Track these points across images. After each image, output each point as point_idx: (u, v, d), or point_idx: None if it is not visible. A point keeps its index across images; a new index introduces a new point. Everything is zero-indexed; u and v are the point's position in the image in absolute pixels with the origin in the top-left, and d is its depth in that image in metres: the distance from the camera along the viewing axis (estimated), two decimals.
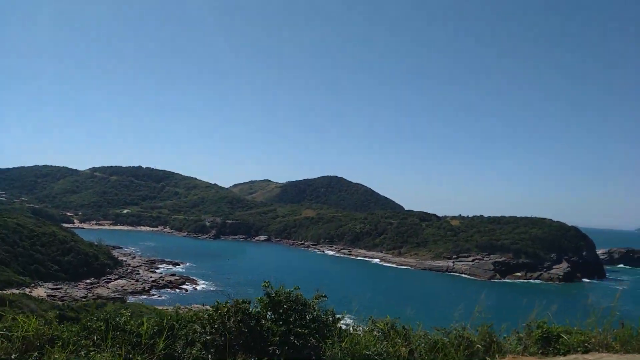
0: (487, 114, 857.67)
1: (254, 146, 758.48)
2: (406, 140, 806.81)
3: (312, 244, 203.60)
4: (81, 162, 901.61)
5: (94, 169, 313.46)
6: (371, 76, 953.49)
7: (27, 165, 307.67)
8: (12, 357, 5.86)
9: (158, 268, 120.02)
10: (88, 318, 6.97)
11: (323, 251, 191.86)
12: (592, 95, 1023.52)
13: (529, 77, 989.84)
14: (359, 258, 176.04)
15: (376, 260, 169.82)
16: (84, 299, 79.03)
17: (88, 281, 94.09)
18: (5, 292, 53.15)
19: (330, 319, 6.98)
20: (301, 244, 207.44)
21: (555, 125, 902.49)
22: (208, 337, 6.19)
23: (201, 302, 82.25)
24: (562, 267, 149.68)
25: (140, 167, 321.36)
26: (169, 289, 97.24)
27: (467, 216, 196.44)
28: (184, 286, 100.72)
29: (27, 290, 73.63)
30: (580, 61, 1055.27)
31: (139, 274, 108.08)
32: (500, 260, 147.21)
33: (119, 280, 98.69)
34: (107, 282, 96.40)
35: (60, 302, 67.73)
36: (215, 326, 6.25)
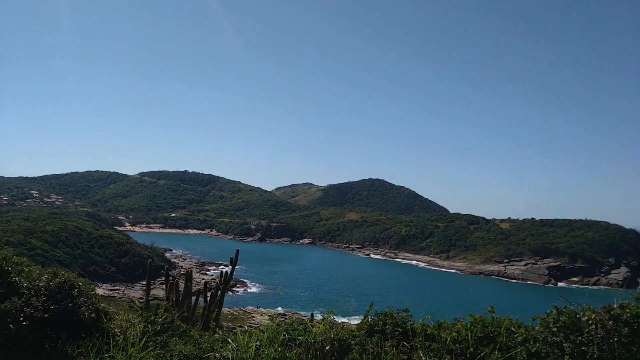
0: (533, 112, 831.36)
1: (295, 149, 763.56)
2: (447, 142, 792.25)
3: (357, 247, 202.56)
4: (130, 166, 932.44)
5: (142, 174, 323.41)
6: (408, 81, 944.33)
7: (79, 170, 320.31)
8: None
9: (209, 270, 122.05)
10: (371, 322, 6.53)
11: (368, 254, 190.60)
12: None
13: (577, 74, 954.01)
14: (404, 262, 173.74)
15: (423, 264, 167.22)
16: (141, 300, 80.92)
17: (143, 282, 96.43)
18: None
19: None
20: (345, 247, 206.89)
21: (606, 121, 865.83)
22: (583, 348, 4.99)
23: (255, 305, 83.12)
24: (621, 272, 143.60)
25: (186, 171, 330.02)
26: None
27: (518, 219, 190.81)
28: (235, 288, 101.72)
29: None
30: None
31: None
32: (555, 264, 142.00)
33: None
34: (162, 283, 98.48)
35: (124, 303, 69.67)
36: (585, 335, 5.03)
